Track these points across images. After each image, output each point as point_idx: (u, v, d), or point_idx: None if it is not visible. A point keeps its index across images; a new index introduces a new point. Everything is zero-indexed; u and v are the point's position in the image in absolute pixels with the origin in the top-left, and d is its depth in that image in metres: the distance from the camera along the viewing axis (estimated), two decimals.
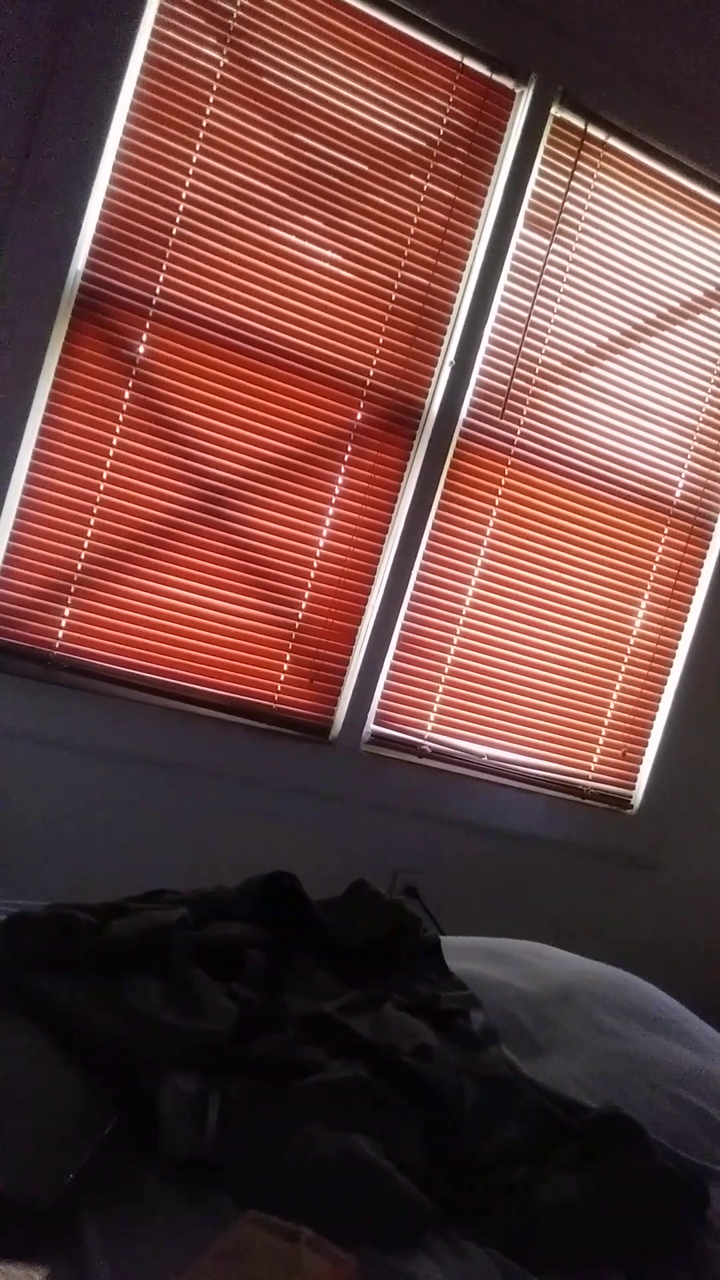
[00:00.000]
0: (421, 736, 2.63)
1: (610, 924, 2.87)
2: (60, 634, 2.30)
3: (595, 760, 2.82)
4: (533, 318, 2.57)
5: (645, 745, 2.87)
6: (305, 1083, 1.13)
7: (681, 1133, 1.31)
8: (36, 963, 1.21)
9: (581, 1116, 1.26)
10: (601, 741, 2.82)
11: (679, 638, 2.85)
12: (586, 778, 2.81)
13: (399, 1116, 1.14)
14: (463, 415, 2.53)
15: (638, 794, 2.87)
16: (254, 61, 2.27)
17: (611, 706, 2.81)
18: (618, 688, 2.81)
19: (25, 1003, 1.15)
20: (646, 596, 2.80)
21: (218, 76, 2.24)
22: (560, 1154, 1.19)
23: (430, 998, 1.43)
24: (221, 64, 2.24)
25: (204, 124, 2.25)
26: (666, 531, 2.78)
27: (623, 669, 2.80)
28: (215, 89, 2.25)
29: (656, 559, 2.79)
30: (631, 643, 2.80)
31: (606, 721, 2.81)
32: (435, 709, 2.64)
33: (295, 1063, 1.17)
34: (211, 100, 2.25)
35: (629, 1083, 1.39)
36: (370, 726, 2.57)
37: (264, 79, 2.28)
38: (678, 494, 2.78)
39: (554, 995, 1.59)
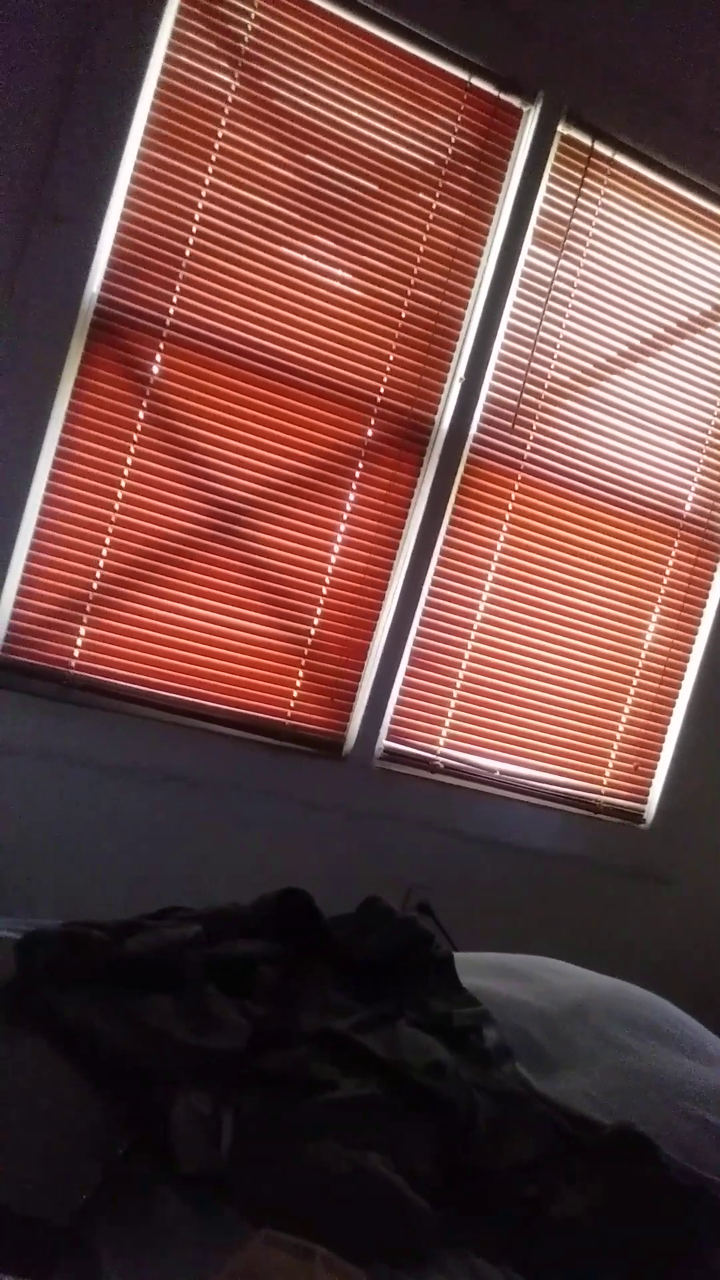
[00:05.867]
0: (434, 752, 2.64)
1: (623, 939, 2.85)
2: (76, 653, 2.31)
3: (607, 775, 2.82)
4: (541, 333, 2.58)
5: (657, 760, 2.86)
6: (318, 1099, 1.14)
7: (695, 1148, 1.31)
8: (51, 980, 1.22)
9: (594, 1132, 1.26)
10: (613, 756, 2.81)
11: (690, 651, 2.85)
12: (599, 793, 2.81)
13: (412, 1133, 1.15)
14: (473, 431, 2.55)
15: (650, 809, 2.87)
16: (265, 84, 2.30)
17: (623, 721, 2.81)
18: (629, 702, 2.81)
19: (40, 1020, 1.16)
20: (657, 610, 2.80)
21: (229, 100, 2.27)
22: (573, 1170, 1.19)
23: (443, 1014, 1.43)
24: (233, 87, 2.27)
25: (216, 146, 2.28)
26: (676, 545, 2.79)
27: (634, 683, 2.80)
28: (227, 112, 2.28)
29: (667, 572, 2.79)
30: (643, 657, 2.80)
31: (618, 736, 2.81)
32: (447, 724, 2.64)
33: (308, 1080, 1.18)
34: (224, 123, 2.28)
35: (642, 1098, 1.39)
36: (383, 742, 2.58)
37: (275, 101, 2.31)
38: (687, 507, 2.78)
39: (567, 1011, 1.59)
